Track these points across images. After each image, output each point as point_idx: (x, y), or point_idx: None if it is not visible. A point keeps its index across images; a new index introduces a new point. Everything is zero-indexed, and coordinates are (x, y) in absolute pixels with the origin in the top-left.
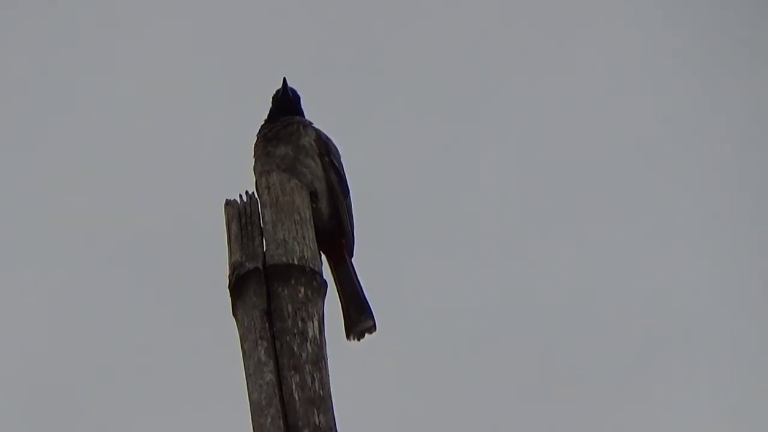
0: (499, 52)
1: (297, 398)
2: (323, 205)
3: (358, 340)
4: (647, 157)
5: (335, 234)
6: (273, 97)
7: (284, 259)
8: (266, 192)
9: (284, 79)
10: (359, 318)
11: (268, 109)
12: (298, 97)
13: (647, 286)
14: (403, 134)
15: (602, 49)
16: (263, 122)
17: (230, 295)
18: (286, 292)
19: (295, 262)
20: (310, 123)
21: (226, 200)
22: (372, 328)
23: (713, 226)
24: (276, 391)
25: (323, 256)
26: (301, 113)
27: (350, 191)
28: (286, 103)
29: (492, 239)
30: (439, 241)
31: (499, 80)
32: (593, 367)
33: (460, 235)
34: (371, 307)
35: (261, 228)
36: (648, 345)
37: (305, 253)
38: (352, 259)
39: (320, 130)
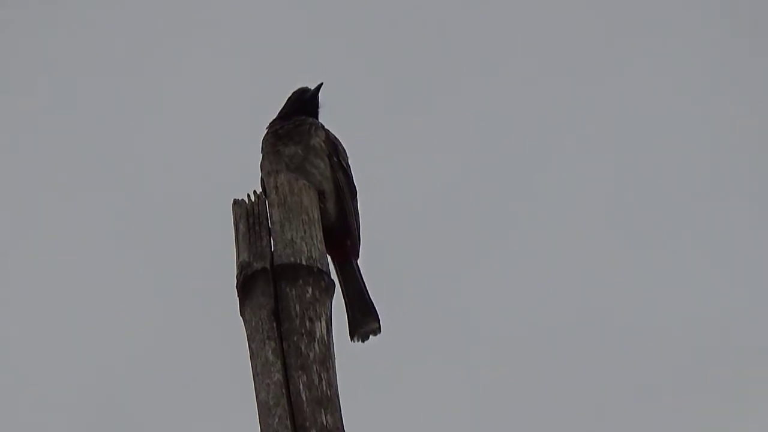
0: (584, 53)
1: (304, 398)
2: (331, 205)
3: (363, 341)
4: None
5: (341, 235)
6: (294, 95)
7: (292, 259)
8: (274, 192)
9: (321, 85)
10: (364, 319)
11: (283, 105)
12: (318, 104)
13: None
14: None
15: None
16: (275, 117)
17: (238, 295)
18: (293, 292)
19: (303, 262)
20: (322, 125)
21: (234, 200)
22: (377, 330)
23: None
24: (283, 391)
25: (328, 257)
26: (316, 118)
27: (357, 193)
28: (309, 105)
29: (528, 247)
30: (474, 249)
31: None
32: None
33: (510, 243)
34: (376, 309)
35: (269, 228)
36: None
37: (313, 253)
38: (358, 261)
39: (329, 131)
